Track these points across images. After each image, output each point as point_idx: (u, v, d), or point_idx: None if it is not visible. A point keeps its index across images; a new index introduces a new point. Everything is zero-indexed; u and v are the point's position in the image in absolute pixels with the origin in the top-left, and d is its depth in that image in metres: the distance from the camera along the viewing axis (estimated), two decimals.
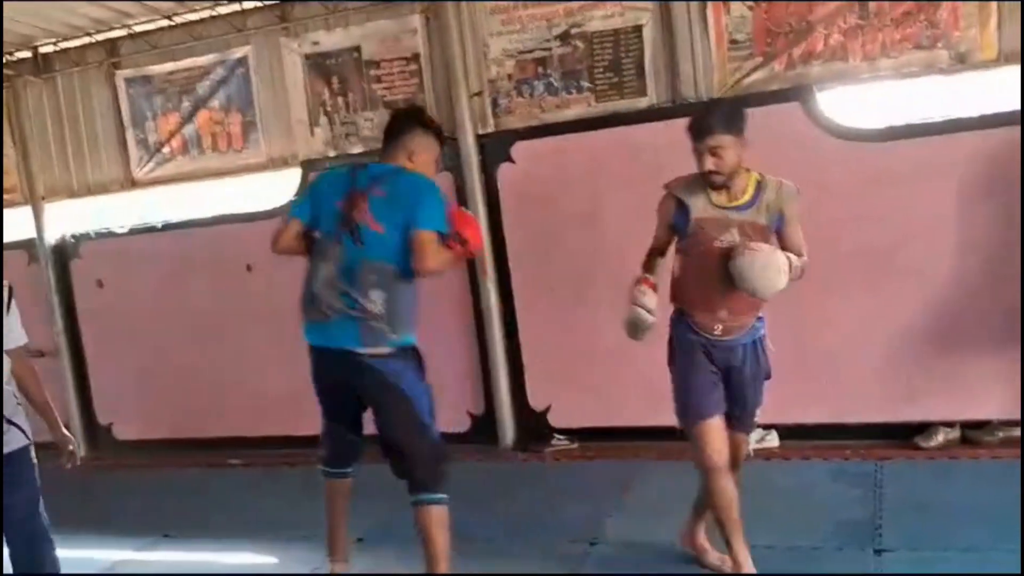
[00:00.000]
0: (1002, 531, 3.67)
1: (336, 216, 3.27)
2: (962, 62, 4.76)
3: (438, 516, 3.31)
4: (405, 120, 3.41)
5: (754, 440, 5.07)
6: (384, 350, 3.22)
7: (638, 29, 5.29)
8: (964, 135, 4.70)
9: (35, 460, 3.33)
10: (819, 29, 4.96)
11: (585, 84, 5.45)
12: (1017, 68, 4.68)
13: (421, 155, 3.34)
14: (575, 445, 5.55)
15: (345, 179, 3.33)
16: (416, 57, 5.80)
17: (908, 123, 4.92)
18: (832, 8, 4.91)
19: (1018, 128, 4.60)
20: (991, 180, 4.62)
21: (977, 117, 4.74)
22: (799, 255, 3.28)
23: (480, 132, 5.62)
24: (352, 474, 3.65)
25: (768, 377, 3.45)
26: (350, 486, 3.67)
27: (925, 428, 4.87)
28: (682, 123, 5.08)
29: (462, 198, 5.61)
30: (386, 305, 3.16)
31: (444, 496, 3.33)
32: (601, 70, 5.40)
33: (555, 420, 5.66)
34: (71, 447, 3.48)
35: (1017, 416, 4.72)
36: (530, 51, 5.52)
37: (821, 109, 4.95)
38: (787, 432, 5.12)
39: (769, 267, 3.10)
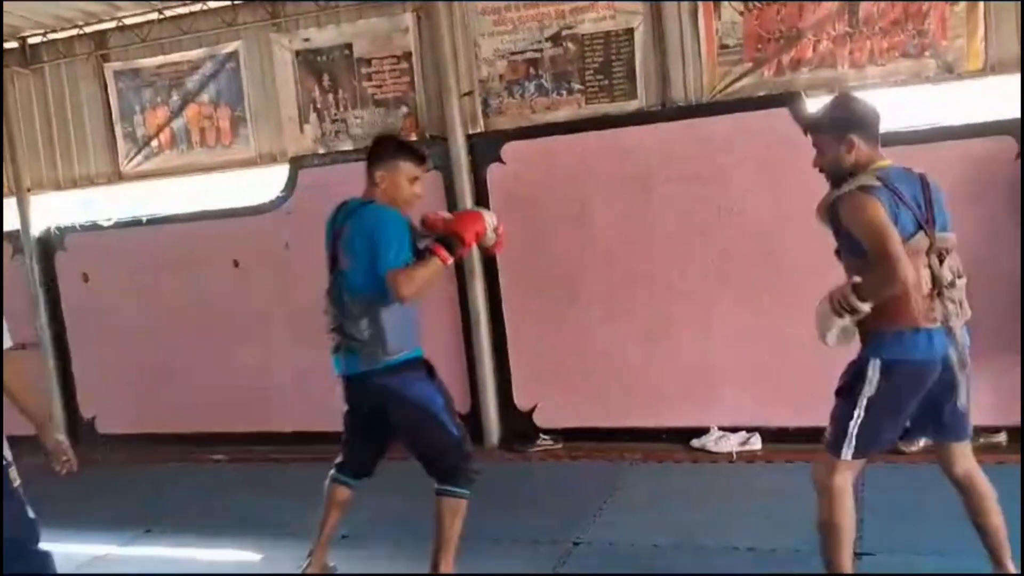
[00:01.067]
0: (973, 533, 3.71)
1: (329, 256, 3.50)
2: (949, 71, 4.81)
3: (448, 504, 3.46)
4: (371, 150, 3.54)
5: (737, 443, 5.14)
6: (383, 370, 3.37)
7: (629, 32, 5.32)
8: (950, 143, 4.75)
9: (17, 483, 3.07)
10: (808, 36, 5.01)
11: (576, 86, 5.48)
12: (1004, 78, 4.74)
13: (387, 180, 3.42)
14: (560, 445, 5.56)
15: (331, 219, 3.52)
16: (407, 56, 5.81)
17: (895, 131, 4.95)
18: (822, 16, 4.96)
19: (1004, 136, 4.65)
20: (976, 187, 4.66)
21: (963, 125, 4.79)
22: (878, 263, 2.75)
23: (470, 132, 5.64)
24: (353, 487, 3.75)
25: (838, 392, 3.00)
26: (347, 497, 3.75)
27: (906, 433, 4.90)
28: (671, 127, 5.25)
29: (451, 197, 5.62)
30: (371, 331, 3.33)
31: (459, 490, 3.47)
32: (592, 72, 5.43)
33: (541, 420, 5.67)
34: (65, 456, 3.26)
35: (997, 422, 4.77)
36: (521, 52, 5.54)
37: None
38: (770, 435, 5.15)
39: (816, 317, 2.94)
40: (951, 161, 4.73)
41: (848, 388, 2.95)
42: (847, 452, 2.94)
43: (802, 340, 4.99)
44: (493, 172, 5.59)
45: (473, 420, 5.78)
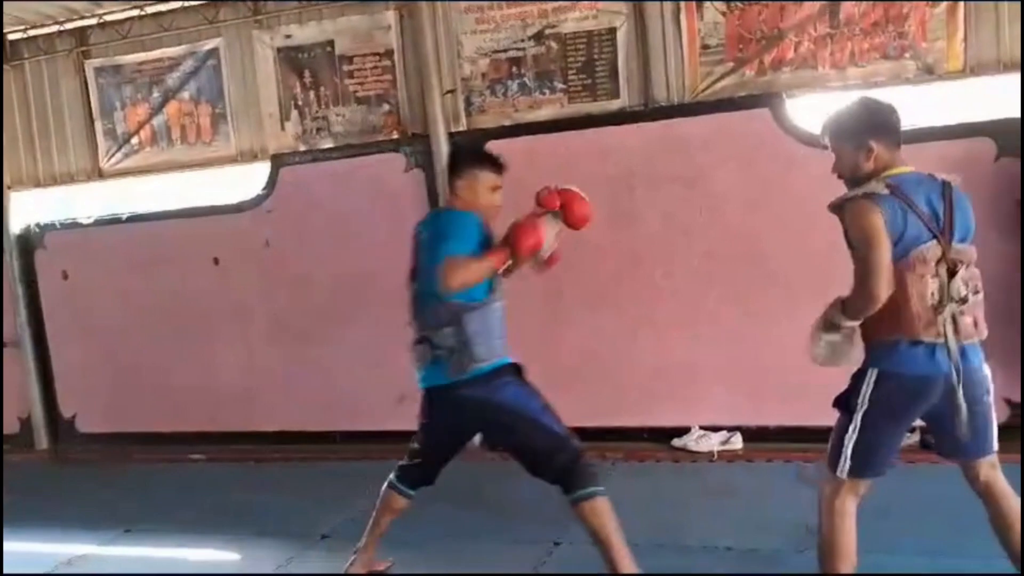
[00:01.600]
0: (956, 534, 3.74)
1: (411, 265, 3.44)
2: (929, 72, 4.84)
3: (588, 510, 3.32)
4: (450, 160, 3.51)
5: (718, 442, 5.16)
6: (470, 380, 3.26)
7: (612, 31, 5.32)
8: (929, 144, 4.76)
9: None
10: (790, 37, 5.02)
11: (558, 85, 5.47)
12: (983, 79, 4.78)
13: (467, 190, 3.39)
14: None
15: (416, 230, 3.45)
16: (389, 53, 5.79)
17: None
18: (803, 16, 4.98)
19: (983, 138, 4.69)
20: None
21: (943, 127, 4.82)
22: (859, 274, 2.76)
23: (453, 130, 5.63)
24: (411, 497, 3.69)
25: (836, 404, 2.93)
26: (403, 506, 3.70)
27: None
28: (653, 127, 5.25)
29: (433, 196, 5.62)
30: (457, 338, 3.23)
31: (588, 490, 3.31)
32: (574, 71, 5.43)
33: None
34: None
35: None
36: (504, 50, 5.53)
37: (790, 115, 5.00)
38: (751, 434, 5.17)
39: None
40: (930, 163, 4.68)
41: (846, 400, 2.89)
42: (843, 468, 2.86)
43: (784, 340, 5.04)
44: None
45: None
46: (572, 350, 5.51)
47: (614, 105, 5.38)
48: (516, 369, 3.41)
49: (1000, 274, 4.66)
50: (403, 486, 3.67)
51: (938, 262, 2.73)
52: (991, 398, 2.92)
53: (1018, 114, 4.66)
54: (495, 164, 3.45)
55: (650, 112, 5.27)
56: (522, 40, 5.49)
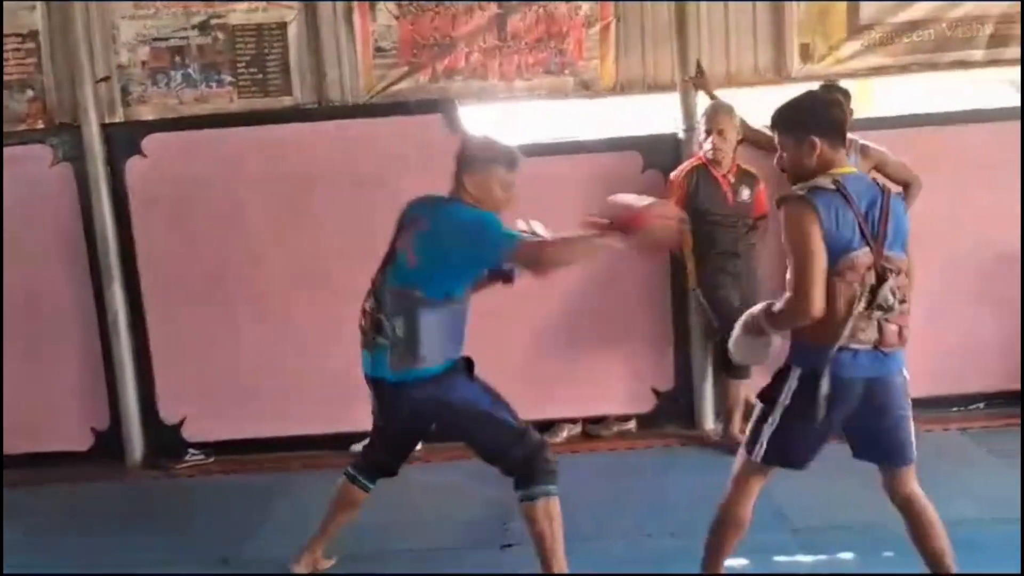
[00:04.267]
0: (613, 521, 4.04)
1: (389, 248, 3.32)
2: (586, 89, 5.21)
3: (540, 509, 3.23)
4: (460, 154, 3.30)
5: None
6: (415, 381, 3.18)
7: (282, 26, 5.16)
8: (585, 156, 5.14)
9: None
10: (461, 46, 5.16)
11: (227, 78, 5.21)
12: (631, 97, 5.24)
13: (479, 186, 3.21)
14: (212, 460, 5.26)
15: (403, 213, 3.37)
16: (34, 34, 5.21)
17: (541, 142, 5.28)
18: (473, 27, 5.14)
19: (632, 152, 5.11)
20: (604, 199, 5.06)
21: (597, 140, 5.24)
22: (792, 288, 2.80)
23: (107, 121, 5.16)
24: (369, 490, 3.57)
25: (761, 397, 3.00)
26: (360, 500, 3.58)
27: (552, 425, 5.25)
28: (328, 126, 5.15)
29: (84, 191, 5.12)
30: (405, 331, 3.15)
31: (543, 487, 3.24)
32: (244, 65, 5.20)
33: (190, 434, 5.31)
34: None
35: (627, 411, 5.27)
36: (166, 39, 5.17)
37: (463, 122, 5.13)
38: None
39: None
40: (585, 173, 5.11)
41: (769, 394, 2.90)
42: (757, 454, 2.89)
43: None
44: (133, 165, 5.14)
45: (113, 436, 5.31)
46: (243, 357, 5.24)
47: (286, 102, 5.22)
48: (466, 365, 3.33)
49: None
50: (362, 477, 3.55)
51: (868, 269, 2.72)
52: (909, 406, 2.91)
53: (662, 131, 5.16)
54: (512, 160, 3.27)
55: (324, 111, 5.18)
56: (186, 28, 5.15)
